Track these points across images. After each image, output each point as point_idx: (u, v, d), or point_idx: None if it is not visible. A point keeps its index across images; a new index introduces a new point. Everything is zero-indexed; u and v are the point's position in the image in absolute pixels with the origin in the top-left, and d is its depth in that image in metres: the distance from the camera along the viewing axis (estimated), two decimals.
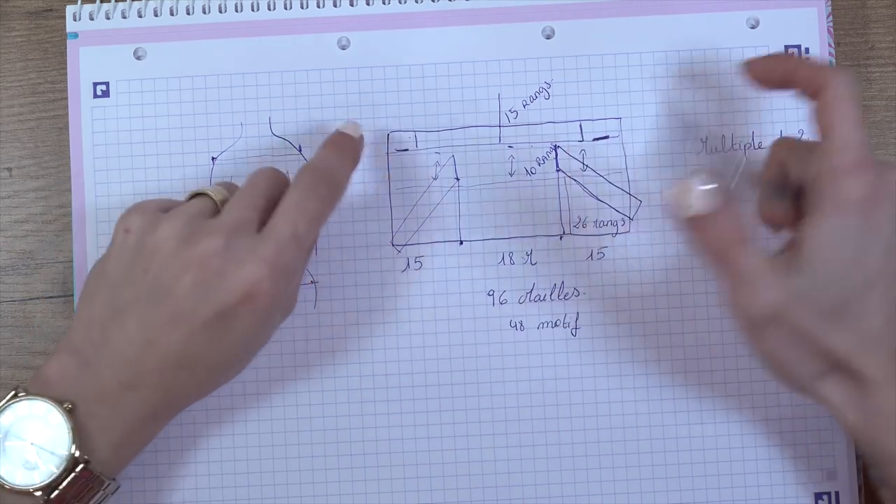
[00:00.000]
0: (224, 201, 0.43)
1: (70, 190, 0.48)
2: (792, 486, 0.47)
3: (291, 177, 0.48)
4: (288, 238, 0.41)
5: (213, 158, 0.48)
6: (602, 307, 0.47)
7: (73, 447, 0.40)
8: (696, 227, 0.39)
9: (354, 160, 0.45)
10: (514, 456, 0.47)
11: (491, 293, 0.47)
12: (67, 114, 0.48)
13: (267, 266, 0.40)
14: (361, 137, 0.46)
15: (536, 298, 0.47)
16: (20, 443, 0.40)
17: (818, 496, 0.47)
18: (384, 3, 0.48)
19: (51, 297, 0.49)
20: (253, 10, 0.48)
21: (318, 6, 0.48)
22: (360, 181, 0.47)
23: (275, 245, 0.41)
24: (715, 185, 0.38)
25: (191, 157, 0.48)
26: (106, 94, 0.48)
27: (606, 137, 0.48)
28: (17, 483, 0.40)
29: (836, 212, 0.38)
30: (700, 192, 0.38)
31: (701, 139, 0.48)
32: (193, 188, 0.45)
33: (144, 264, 0.41)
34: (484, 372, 0.47)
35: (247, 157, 0.48)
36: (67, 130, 0.48)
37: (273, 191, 0.43)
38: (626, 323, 0.47)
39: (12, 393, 0.41)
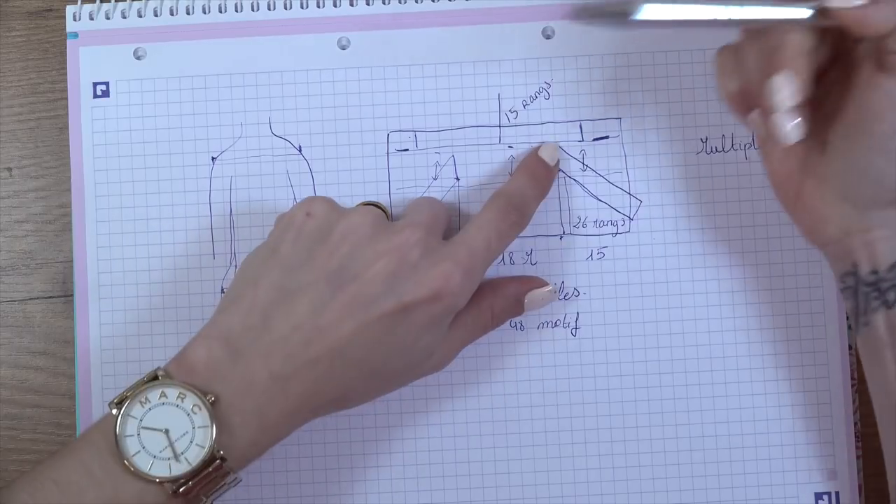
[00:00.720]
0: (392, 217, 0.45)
1: (70, 190, 0.48)
2: (792, 486, 0.47)
3: (291, 178, 0.48)
4: (481, 248, 0.42)
5: (213, 158, 0.48)
6: (602, 307, 0.47)
7: (214, 443, 0.39)
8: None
9: (545, 190, 0.46)
10: (514, 456, 0.47)
11: None
12: (67, 114, 0.48)
13: (461, 269, 0.41)
14: (557, 164, 0.47)
15: None
16: (156, 431, 0.39)
17: (818, 496, 0.47)
18: (384, 3, 0.48)
19: (51, 297, 0.49)
20: (253, 10, 0.48)
21: (318, 6, 0.48)
22: (361, 181, 0.48)
23: (468, 251, 0.42)
24: None
25: (191, 157, 0.48)
26: (106, 94, 0.48)
27: (606, 137, 0.48)
28: (148, 471, 0.39)
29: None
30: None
31: (701, 139, 0.48)
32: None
33: (331, 247, 0.41)
34: (484, 372, 0.47)
35: (247, 157, 0.48)
36: (67, 130, 0.48)
37: (439, 213, 0.44)
38: (626, 323, 0.47)
39: (150, 375, 0.40)
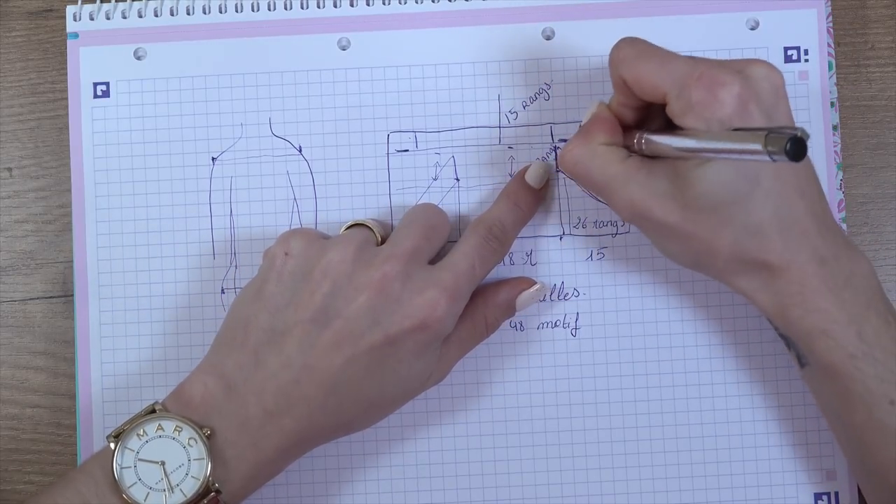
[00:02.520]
0: (383, 235, 0.44)
1: (70, 190, 0.48)
2: (792, 486, 0.47)
3: (291, 178, 0.48)
4: (466, 272, 0.42)
5: (213, 158, 0.48)
6: (602, 307, 0.47)
7: (209, 475, 0.39)
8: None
9: (528, 215, 0.46)
10: (514, 456, 0.47)
11: None
12: (67, 114, 0.48)
13: (446, 295, 0.41)
14: (546, 184, 0.47)
15: None
16: (152, 463, 0.40)
17: (818, 496, 0.47)
18: (384, 3, 0.48)
19: (51, 297, 0.49)
20: (253, 10, 0.48)
21: (318, 6, 0.48)
22: (361, 182, 0.47)
23: (453, 276, 0.42)
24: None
25: (191, 157, 0.48)
26: (106, 94, 0.48)
27: None
28: (144, 503, 0.39)
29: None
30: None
31: None
32: (349, 219, 0.46)
33: (313, 287, 0.41)
34: (484, 372, 0.47)
35: (247, 157, 0.48)
36: (67, 130, 0.48)
37: (436, 225, 0.44)
38: (626, 323, 0.47)
39: (148, 408, 0.41)
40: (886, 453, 0.40)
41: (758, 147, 0.33)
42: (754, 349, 0.47)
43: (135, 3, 0.48)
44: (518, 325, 0.47)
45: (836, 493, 0.47)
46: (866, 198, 0.49)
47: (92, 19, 0.48)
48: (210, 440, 0.40)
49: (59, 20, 0.49)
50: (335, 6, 0.48)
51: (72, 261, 0.48)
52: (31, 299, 0.49)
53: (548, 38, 0.48)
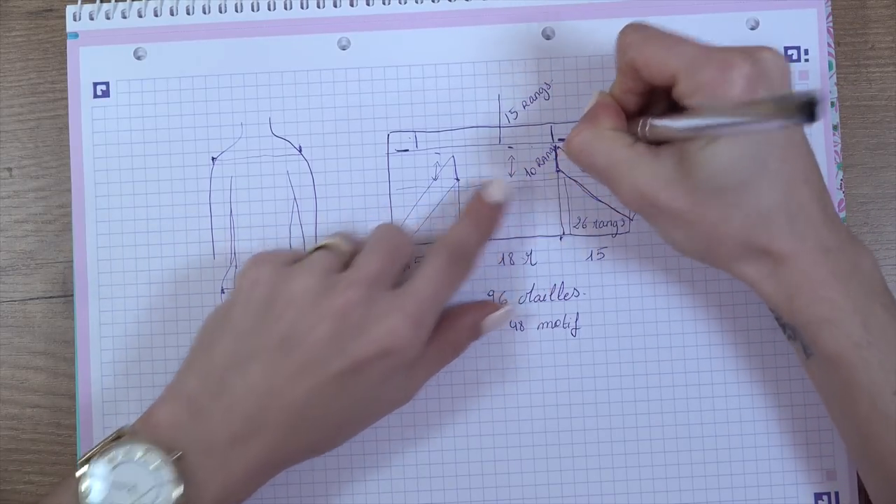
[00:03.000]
0: (351, 253, 0.44)
1: (70, 190, 0.48)
2: (792, 486, 0.47)
3: (291, 178, 0.48)
4: (429, 296, 0.42)
5: (213, 158, 0.48)
6: (602, 307, 0.47)
7: (181, 498, 0.39)
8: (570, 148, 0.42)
9: (490, 232, 0.45)
10: (514, 456, 0.47)
11: (491, 293, 0.47)
12: (67, 114, 0.48)
13: (409, 320, 0.41)
14: (504, 203, 0.46)
15: (536, 299, 0.47)
16: (121, 488, 0.39)
17: (818, 496, 0.47)
18: (384, 3, 0.48)
19: (51, 297, 0.49)
20: (253, 10, 0.48)
21: (318, 6, 0.48)
22: (361, 181, 0.48)
23: (416, 301, 0.41)
24: None
25: (191, 157, 0.48)
26: (106, 94, 0.48)
27: None
28: None
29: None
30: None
31: None
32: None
33: (277, 314, 0.41)
34: (484, 372, 0.47)
35: (247, 157, 0.48)
36: (67, 130, 0.48)
37: (399, 245, 0.43)
38: (626, 323, 0.47)
39: (116, 434, 0.41)
40: (889, 444, 0.40)
41: (769, 112, 0.33)
42: (754, 349, 0.47)
43: (135, 3, 0.48)
44: (518, 325, 0.47)
45: (836, 493, 0.47)
46: (866, 198, 0.49)
47: (92, 19, 0.48)
48: (179, 464, 0.40)
49: (59, 20, 0.49)
50: (335, 6, 0.48)
51: (72, 261, 0.48)
52: (31, 299, 0.49)
53: (548, 38, 0.48)
